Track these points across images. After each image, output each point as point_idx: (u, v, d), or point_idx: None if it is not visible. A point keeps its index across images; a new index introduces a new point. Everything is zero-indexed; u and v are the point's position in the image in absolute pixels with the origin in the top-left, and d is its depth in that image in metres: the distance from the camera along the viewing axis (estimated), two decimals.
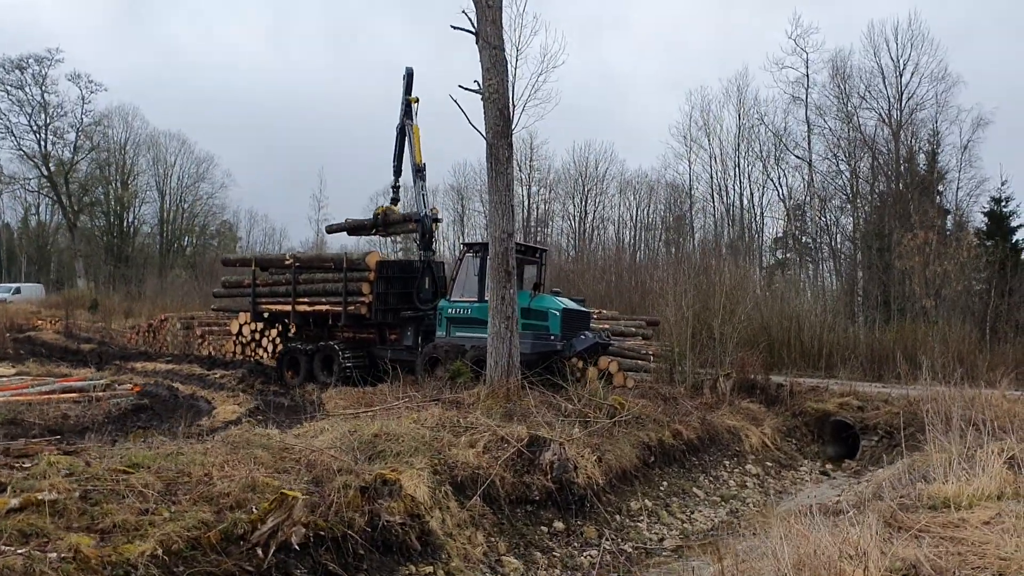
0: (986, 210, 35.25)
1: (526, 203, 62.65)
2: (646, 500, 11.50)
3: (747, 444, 15.29)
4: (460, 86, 13.27)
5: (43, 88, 54.74)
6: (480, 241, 16.08)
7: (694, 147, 48.10)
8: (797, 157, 43.49)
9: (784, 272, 41.00)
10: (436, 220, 18.01)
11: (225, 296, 19.52)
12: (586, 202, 59.62)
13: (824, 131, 42.51)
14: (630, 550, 9.85)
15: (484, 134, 13.17)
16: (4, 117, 53.73)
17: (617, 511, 10.76)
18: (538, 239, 60.44)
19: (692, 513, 11.73)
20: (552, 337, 15.22)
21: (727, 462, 14.46)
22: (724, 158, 46.88)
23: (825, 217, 41.79)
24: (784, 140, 43.76)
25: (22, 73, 53.67)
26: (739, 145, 46.29)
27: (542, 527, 9.55)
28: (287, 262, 17.69)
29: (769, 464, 15.32)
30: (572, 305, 16.15)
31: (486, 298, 15.78)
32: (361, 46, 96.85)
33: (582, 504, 10.11)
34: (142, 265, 61.25)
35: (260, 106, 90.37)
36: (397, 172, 18.18)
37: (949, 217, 37.48)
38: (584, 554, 9.34)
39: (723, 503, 12.55)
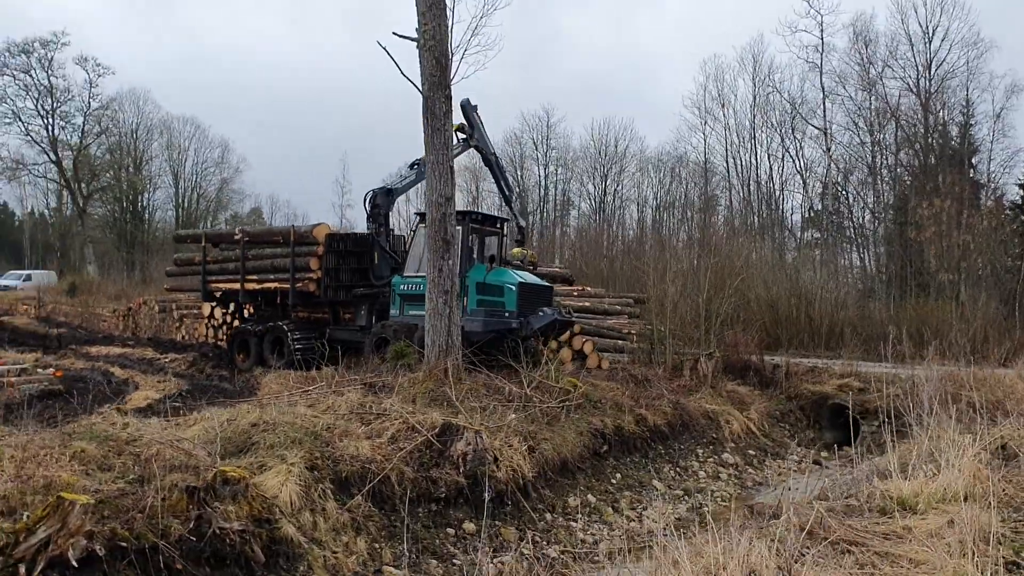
0: (1021, 181, 33.25)
1: (543, 183, 61.29)
2: (590, 495, 10.15)
3: (727, 431, 13.85)
4: (395, 33, 11.93)
5: (49, 72, 54.10)
6: None
7: (708, 119, 46.20)
8: (814, 127, 41.47)
9: (817, 252, 39.11)
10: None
11: (177, 275, 18.38)
12: (606, 181, 57.99)
13: (844, 100, 40.46)
14: (554, 555, 8.51)
15: (419, 87, 11.81)
16: (11, 102, 53.17)
17: (550, 508, 9.43)
18: (558, 220, 59.07)
19: (645, 509, 10.34)
20: (507, 314, 13.84)
21: (700, 451, 13.05)
22: (740, 130, 44.96)
23: (846, 190, 39.79)
24: (799, 109, 41.75)
25: (28, 57, 53.02)
26: (754, 116, 44.33)
27: (448, 529, 8.25)
28: (236, 237, 16.46)
29: (752, 452, 13.88)
30: (531, 279, 14.75)
31: None
32: (387, 27, 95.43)
33: (502, 502, 8.77)
34: (156, 251, 60.66)
35: (281, 92, 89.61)
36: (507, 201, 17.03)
37: (983, 191, 35.48)
38: (495, 560, 7.99)
39: (686, 497, 11.16)
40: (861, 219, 40.50)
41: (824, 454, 14.98)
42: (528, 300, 14.04)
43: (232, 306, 19.44)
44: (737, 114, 45.47)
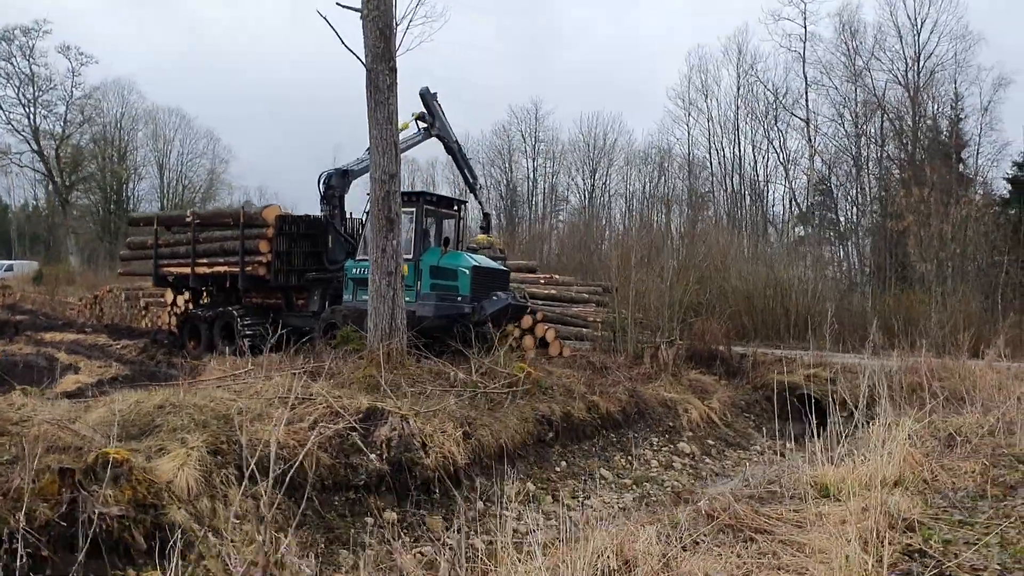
0: (1009, 175, 32.90)
1: (531, 175, 60.81)
2: (530, 483, 9.74)
3: (684, 419, 13.44)
4: (338, 3, 11.48)
5: (31, 60, 53.43)
6: None
7: (692, 111, 45.75)
8: (798, 117, 41.05)
9: (798, 244, 38.70)
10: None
11: (131, 259, 17.87)
12: (595, 175, 57.55)
13: (830, 91, 40.04)
14: (481, 545, 8.07)
15: (363, 59, 11.36)
16: None
17: (484, 497, 8.98)
18: (551, 214, 58.53)
19: (588, 499, 9.91)
20: (460, 298, 13.40)
21: (655, 439, 12.64)
22: (723, 121, 44.52)
23: (830, 182, 39.38)
24: (782, 100, 41.34)
25: (8, 45, 52.35)
26: (738, 108, 43.88)
27: (366, 518, 7.82)
28: (187, 219, 15.98)
29: (711, 442, 13.47)
30: (486, 263, 14.29)
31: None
32: None
33: (429, 490, 8.34)
34: None
35: (271, 82, 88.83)
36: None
37: (971, 186, 35.09)
38: (414, 550, 7.58)
39: (634, 487, 10.74)
40: (846, 212, 40.20)
41: (789, 445, 14.59)
42: (483, 284, 13.61)
43: (200, 292, 18.97)
44: (721, 105, 45.10)
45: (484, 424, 9.77)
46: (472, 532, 8.37)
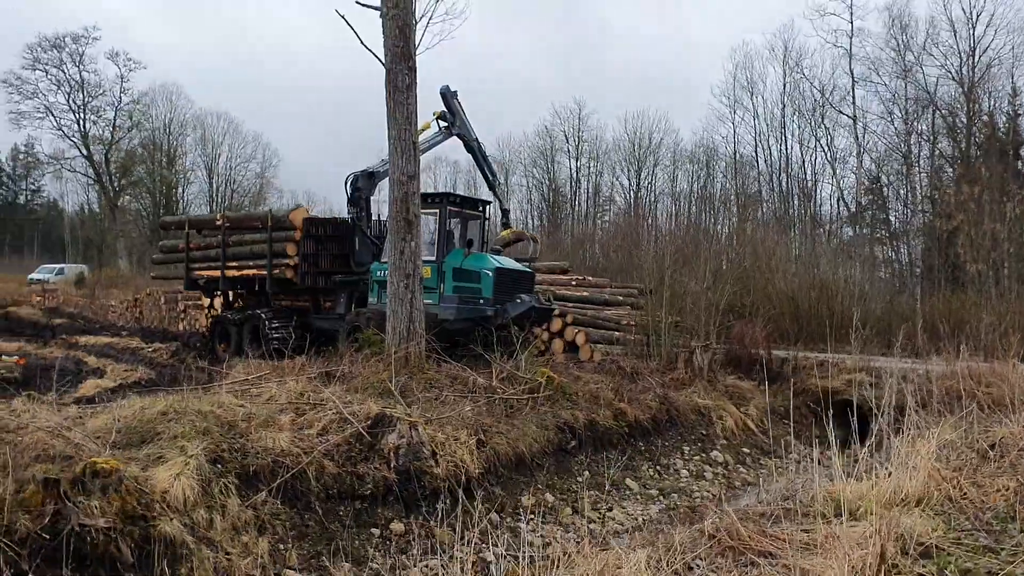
0: None
1: (575, 175, 60.31)
2: (548, 494, 9.39)
3: (719, 427, 12.98)
4: (358, 1, 11.27)
5: (80, 67, 54.49)
6: None
7: (738, 109, 44.92)
8: (845, 115, 40.00)
9: (846, 244, 37.71)
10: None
11: (163, 263, 17.91)
12: (640, 174, 56.90)
13: (879, 87, 38.98)
14: (491, 559, 7.76)
15: (382, 58, 11.14)
16: (43, 97, 53.64)
17: (498, 508, 8.68)
18: (590, 214, 57.95)
19: (610, 510, 9.54)
20: (482, 301, 13.10)
21: (687, 448, 12.21)
22: (770, 119, 43.62)
23: (879, 182, 38.33)
24: (829, 97, 40.32)
25: (59, 52, 53.44)
26: (784, 105, 42.95)
27: (372, 530, 7.56)
28: (218, 222, 15.93)
29: (746, 451, 12.99)
30: (510, 264, 13.97)
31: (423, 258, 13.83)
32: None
33: (439, 500, 8.03)
34: None
35: (320, 86, 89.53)
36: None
37: None
38: (420, 565, 7.29)
39: (661, 497, 10.34)
40: (897, 211, 39.08)
41: (831, 452, 14.03)
42: (506, 287, 13.29)
43: (231, 295, 18.96)
44: (767, 103, 44.21)
45: (500, 432, 9.45)
46: (484, 544, 8.07)
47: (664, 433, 12.18)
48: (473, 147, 15.89)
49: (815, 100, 41.57)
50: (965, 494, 5.18)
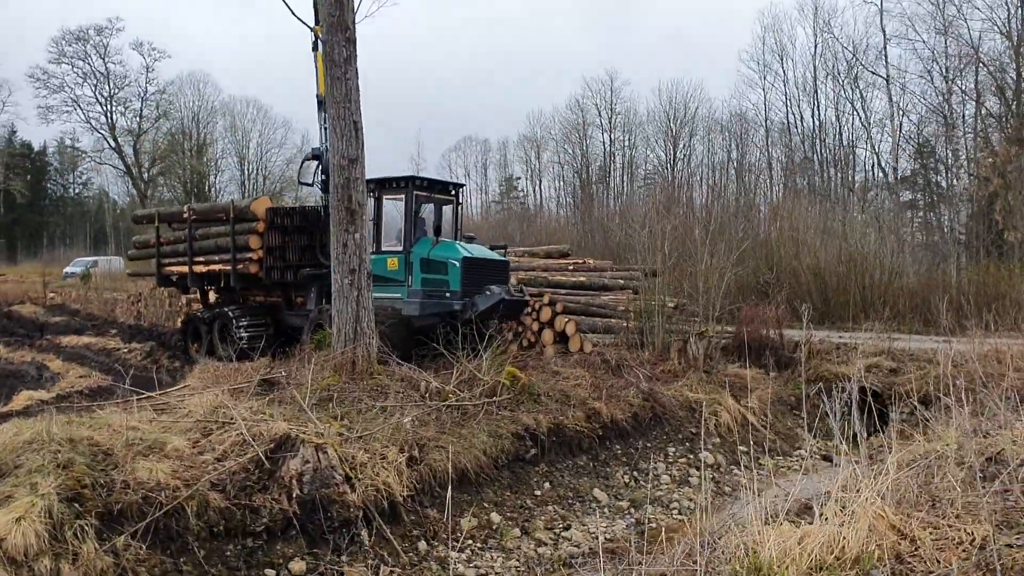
0: None
1: (608, 149, 58.82)
2: (495, 513, 8.35)
3: (711, 424, 11.78)
4: None
5: (105, 58, 54.40)
6: (375, 177, 12.92)
7: (767, 74, 43.03)
8: (877, 75, 37.91)
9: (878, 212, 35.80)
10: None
11: (138, 258, 17.16)
12: (676, 146, 55.26)
13: (916, 45, 36.84)
14: None
15: (311, 26, 10.10)
16: (69, 90, 53.68)
17: (430, 535, 7.66)
18: (624, 188, 56.35)
19: (568, 528, 8.48)
20: (449, 294, 12.04)
21: (672, 449, 11.08)
22: (803, 84, 41.66)
23: (918, 143, 36.29)
24: (861, 57, 38.26)
25: (83, 44, 53.38)
26: (816, 68, 40.95)
27: (267, 571, 6.58)
28: (185, 215, 15.08)
29: (744, 449, 11.77)
30: (480, 253, 12.85)
31: (384, 248, 12.84)
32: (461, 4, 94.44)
33: (349, 531, 7.05)
34: None
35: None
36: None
37: None
38: None
39: (632, 510, 9.24)
40: (943, 175, 37.00)
41: (844, 447, 12.75)
42: (476, 278, 12.20)
43: (209, 292, 18.06)
44: (797, 67, 42.26)
45: (442, 445, 8.42)
46: None
47: (647, 433, 11.06)
48: None
49: (847, 61, 39.57)
50: (917, 548, 4.03)
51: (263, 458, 7.08)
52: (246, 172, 64.72)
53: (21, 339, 18.83)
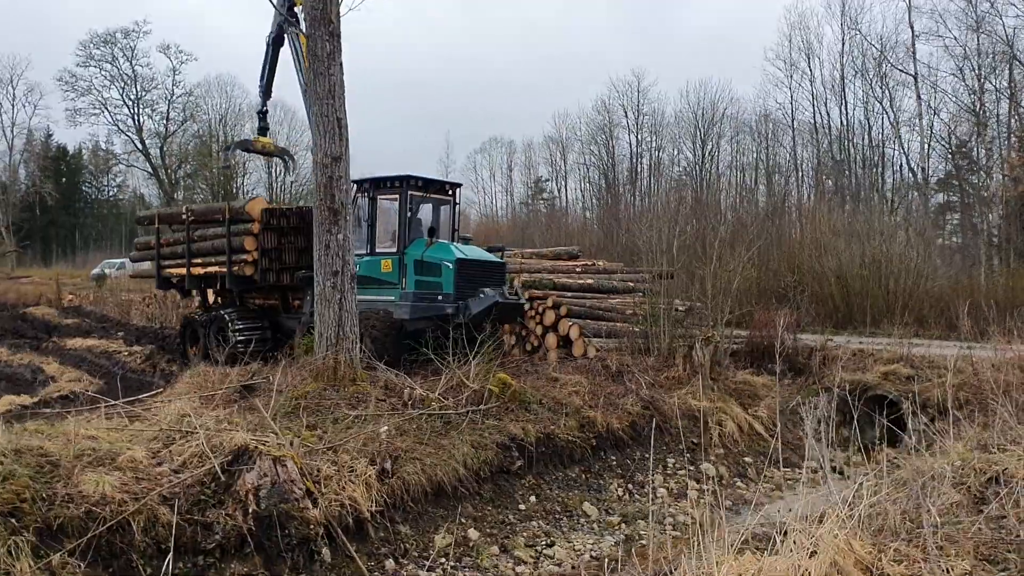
0: None
1: (634, 150, 58.24)
2: (472, 529, 7.94)
3: (716, 434, 11.30)
4: None
5: (133, 61, 54.77)
6: (370, 177, 12.60)
7: (794, 73, 42.19)
8: (906, 73, 36.93)
9: (907, 216, 34.88)
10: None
11: (140, 260, 16.98)
12: (704, 148, 54.59)
13: (947, 41, 35.83)
14: None
15: (291, 21, 9.75)
16: (97, 92, 54.12)
17: (398, 553, 7.27)
18: (652, 190, 55.62)
19: (551, 545, 8.05)
20: (441, 297, 11.65)
21: (672, 460, 10.64)
22: (831, 83, 40.77)
23: (950, 143, 35.31)
24: (888, 55, 37.32)
25: (111, 47, 53.79)
26: (843, 67, 40.03)
27: None
28: (183, 216, 14.85)
29: (749, 460, 11.33)
30: (475, 254, 12.43)
31: (378, 250, 12.49)
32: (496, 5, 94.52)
33: (307, 549, 6.67)
34: None
35: (380, 67, 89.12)
36: (266, 94, 15.21)
37: None
38: None
39: (623, 526, 8.79)
40: (977, 176, 35.94)
41: (857, 458, 12.19)
42: (469, 280, 11.80)
43: (210, 294, 17.85)
44: (825, 65, 41.38)
45: (418, 456, 8.04)
46: None
47: (645, 443, 10.57)
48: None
49: (876, 59, 38.65)
50: None
51: (219, 471, 6.72)
52: (273, 174, 64.86)
53: (28, 341, 18.74)
